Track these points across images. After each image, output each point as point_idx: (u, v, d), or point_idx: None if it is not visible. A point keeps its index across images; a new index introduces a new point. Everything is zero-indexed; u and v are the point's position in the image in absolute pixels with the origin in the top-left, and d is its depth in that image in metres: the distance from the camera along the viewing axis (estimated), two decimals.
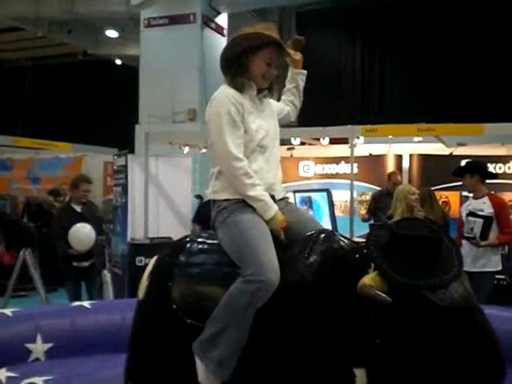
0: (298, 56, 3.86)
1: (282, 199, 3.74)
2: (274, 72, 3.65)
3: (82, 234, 7.60)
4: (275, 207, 3.49)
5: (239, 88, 3.56)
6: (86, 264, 7.76)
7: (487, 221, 6.70)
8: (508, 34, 14.75)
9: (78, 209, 7.91)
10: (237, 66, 3.59)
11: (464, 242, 6.81)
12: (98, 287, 8.22)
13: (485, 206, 6.80)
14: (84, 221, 7.85)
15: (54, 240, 7.89)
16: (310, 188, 11.27)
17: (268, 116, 3.72)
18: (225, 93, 3.53)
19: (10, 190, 17.04)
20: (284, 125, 4.06)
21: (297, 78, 4.09)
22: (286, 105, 4.05)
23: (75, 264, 7.67)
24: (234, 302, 3.26)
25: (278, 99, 3.97)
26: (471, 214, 6.83)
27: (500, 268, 6.87)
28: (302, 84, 4.12)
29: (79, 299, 7.25)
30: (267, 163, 3.61)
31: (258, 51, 3.55)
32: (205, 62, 13.59)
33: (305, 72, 4.10)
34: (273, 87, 3.77)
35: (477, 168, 7.06)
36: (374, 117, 16.02)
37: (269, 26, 3.64)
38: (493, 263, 6.76)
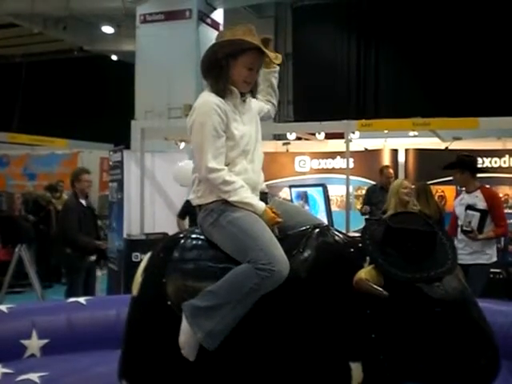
0: (279, 60, 3.79)
1: (262, 194, 3.74)
2: (256, 76, 3.66)
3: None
4: (261, 205, 3.50)
5: (222, 94, 3.55)
6: (94, 258, 7.81)
7: (483, 214, 6.72)
8: (503, 28, 14.75)
9: (84, 202, 7.95)
10: (218, 71, 3.58)
11: (459, 236, 6.82)
12: (95, 281, 8.25)
13: (477, 200, 6.82)
14: (91, 215, 8.05)
15: (67, 235, 7.83)
16: (305, 183, 11.24)
17: (250, 118, 3.72)
18: (209, 101, 3.51)
19: (5, 186, 17.03)
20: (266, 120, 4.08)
21: (270, 76, 4.06)
22: (265, 104, 4.04)
23: (91, 258, 7.72)
24: (240, 281, 3.27)
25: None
26: (470, 207, 6.83)
27: (495, 260, 6.89)
28: (275, 81, 4.09)
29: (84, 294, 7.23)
30: (251, 163, 3.63)
31: (239, 56, 3.55)
32: (200, 58, 13.51)
33: (277, 69, 4.07)
34: (254, 89, 3.77)
35: (466, 164, 7.05)
36: (369, 111, 16.00)
37: (249, 28, 3.57)
38: (488, 256, 6.78)
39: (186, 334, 3.34)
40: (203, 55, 3.67)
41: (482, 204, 6.78)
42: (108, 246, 9.63)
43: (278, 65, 3.98)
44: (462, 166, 6.97)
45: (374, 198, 9.58)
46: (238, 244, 3.41)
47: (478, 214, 6.75)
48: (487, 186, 7.53)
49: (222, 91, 3.55)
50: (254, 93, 3.80)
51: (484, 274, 6.72)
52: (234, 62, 3.56)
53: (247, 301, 3.27)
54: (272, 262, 3.24)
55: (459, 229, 6.90)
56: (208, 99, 3.53)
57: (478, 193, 6.88)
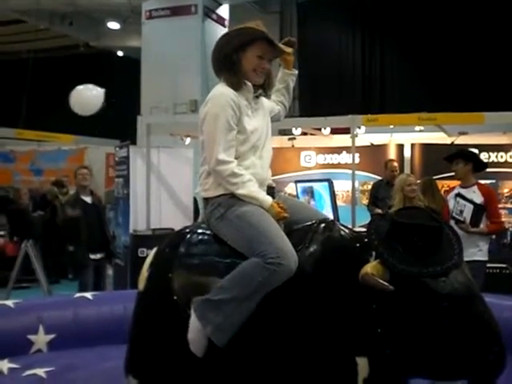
0: (289, 50, 3.85)
1: (269, 188, 3.74)
2: (266, 65, 3.64)
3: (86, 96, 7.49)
4: (268, 199, 3.49)
5: (237, 87, 3.55)
6: (99, 256, 7.78)
7: (479, 209, 6.64)
8: (508, 22, 14.70)
9: (88, 200, 7.93)
10: (229, 64, 3.58)
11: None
12: (105, 280, 8.24)
13: (474, 195, 6.74)
14: (96, 211, 7.96)
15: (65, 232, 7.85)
16: (311, 178, 11.22)
17: (261, 115, 3.73)
18: (224, 94, 3.52)
19: (12, 182, 17.04)
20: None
21: (287, 78, 4.09)
22: (276, 104, 4.05)
23: (92, 257, 7.69)
24: (249, 276, 3.26)
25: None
26: (460, 195, 6.77)
27: (486, 259, 6.81)
28: (292, 84, 4.13)
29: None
30: (260, 159, 3.64)
31: (248, 46, 3.56)
32: (206, 54, 13.49)
33: (295, 72, 4.11)
34: (267, 86, 3.77)
35: (472, 157, 7.02)
36: (375, 106, 15.97)
37: (257, 22, 3.61)
38: (482, 252, 6.70)
39: (195, 330, 3.33)
40: (212, 54, 3.68)
41: (479, 199, 6.69)
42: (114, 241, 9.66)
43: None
44: (467, 158, 6.93)
45: (380, 194, 9.54)
46: (246, 238, 3.40)
47: (471, 206, 6.65)
48: (482, 182, 7.46)
49: (236, 85, 3.56)
50: (267, 90, 3.80)
51: (481, 271, 6.55)
52: (244, 54, 3.57)
53: (255, 295, 3.26)
54: (280, 255, 3.23)
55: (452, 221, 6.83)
56: (223, 91, 3.54)
57: (475, 188, 6.80)
